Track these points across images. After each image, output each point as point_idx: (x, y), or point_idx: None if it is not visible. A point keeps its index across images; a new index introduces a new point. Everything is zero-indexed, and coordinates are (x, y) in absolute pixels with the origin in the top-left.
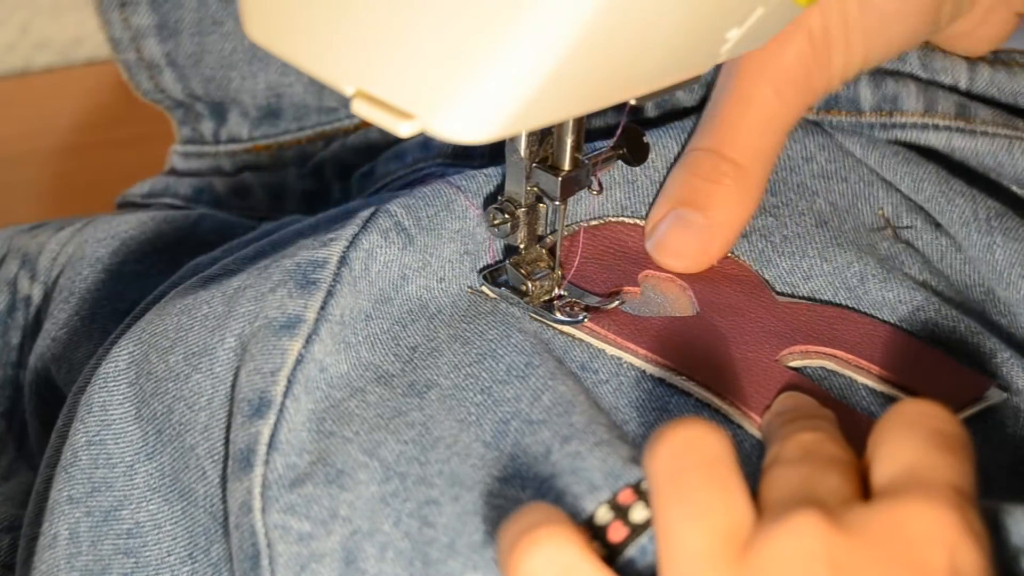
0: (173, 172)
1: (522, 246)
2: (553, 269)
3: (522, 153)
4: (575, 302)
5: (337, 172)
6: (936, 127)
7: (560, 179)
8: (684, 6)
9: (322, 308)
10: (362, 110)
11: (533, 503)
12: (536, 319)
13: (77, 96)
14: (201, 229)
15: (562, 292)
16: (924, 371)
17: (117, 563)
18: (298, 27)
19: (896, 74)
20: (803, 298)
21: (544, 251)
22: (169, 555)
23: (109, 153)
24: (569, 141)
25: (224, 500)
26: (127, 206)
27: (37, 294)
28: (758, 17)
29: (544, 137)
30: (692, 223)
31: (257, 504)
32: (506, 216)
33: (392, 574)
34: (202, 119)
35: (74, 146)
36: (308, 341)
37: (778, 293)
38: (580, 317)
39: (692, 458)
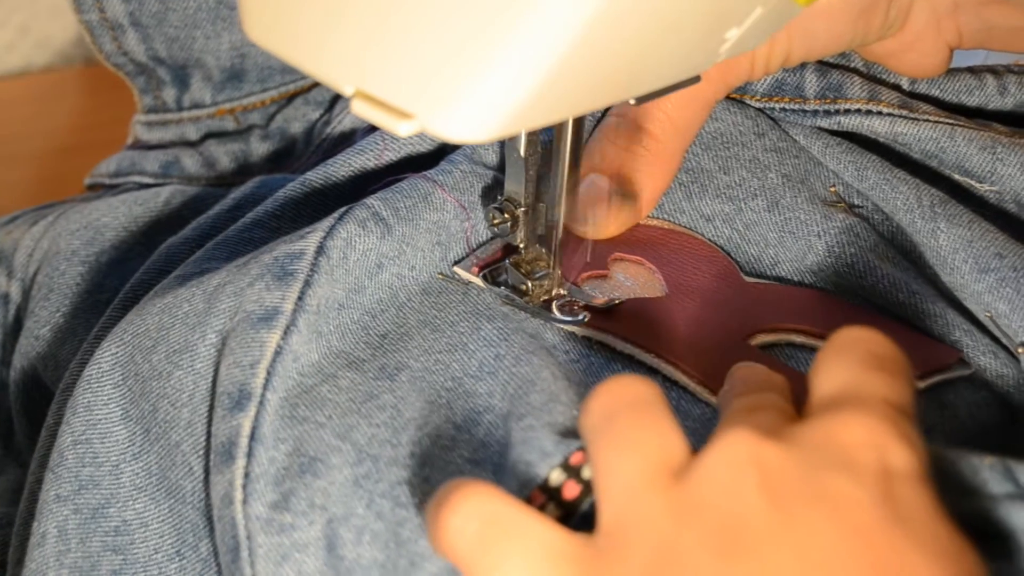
0: (137, 145)
1: (522, 246)
2: (553, 268)
3: (522, 153)
4: (574, 301)
5: (301, 128)
6: (880, 113)
7: (555, 251)
8: (684, 6)
9: (300, 298)
10: (362, 110)
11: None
12: (536, 318)
13: (77, 96)
14: (172, 206)
15: (562, 291)
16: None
17: (106, 559)
18: (298, 27)
19: (841, 67)
20: (771, 279)
21: (543, 250)
22: (156, 552)
23: (108, 153)
24: (562, 213)
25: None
26: (96, 187)
27: (15, 291)
28: (757, 17)
29: (538, 206)
30: (604, 190)
31: (238, 496)
32: (506, 216)
33: (370, 557)
34: (164, 86)
35: (74, 146)
36: (286, 332)
37: (746, 274)
38: (580, 316)
39: (620, 403)
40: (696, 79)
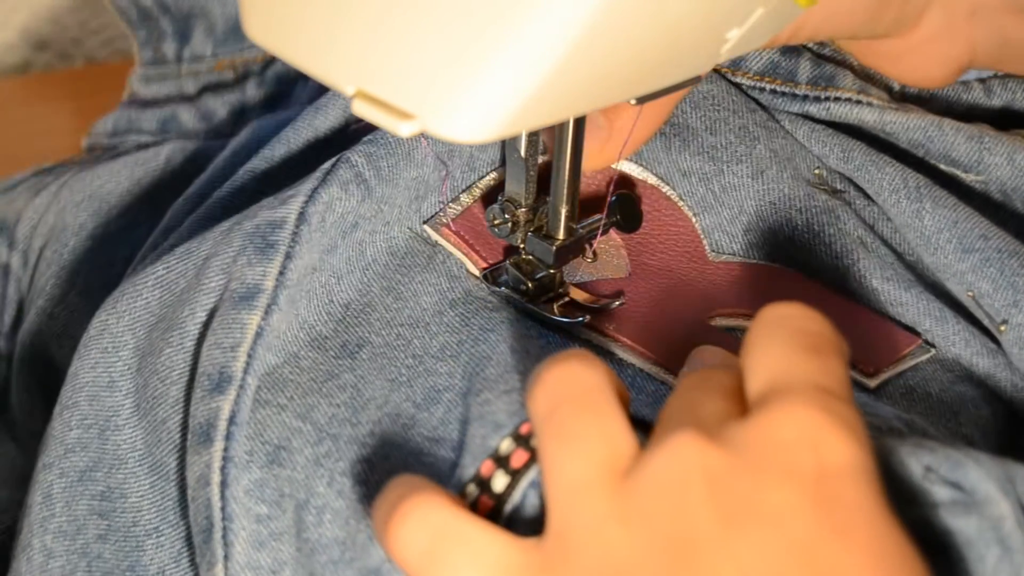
0: (134, 100)
1: (522, 246)
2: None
3: (522, 153)
4: (575, 303)
5: (296, 71)
6: (870, 104)
7: (555, 248)
8: (684, 7)
9: (280, 273)
10: (362, 110)
11: (399, 476)
12: (535, 318)
13: (77, 96)
14: (173, 163)
15: (562, 292)
16: (851, 328)
17: (92, 523)
18: (299, 27)
19: (836, 61)
20: (739, 251)
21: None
22: (135, 526)
23: None
24: (564, 211)
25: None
26: (95, 148)
27: (16, 263)
28: (758, 17)
29: (539, 207)
30: (595, 123)
31: (216, 478)
32: (506, 216)
33: (331, 536)
34: (165, 38)
35: (74, 146)
36: (267, 312)
37: (712, 251)
38: (580, 318)
39: (566, 392)
40: (697, 79)
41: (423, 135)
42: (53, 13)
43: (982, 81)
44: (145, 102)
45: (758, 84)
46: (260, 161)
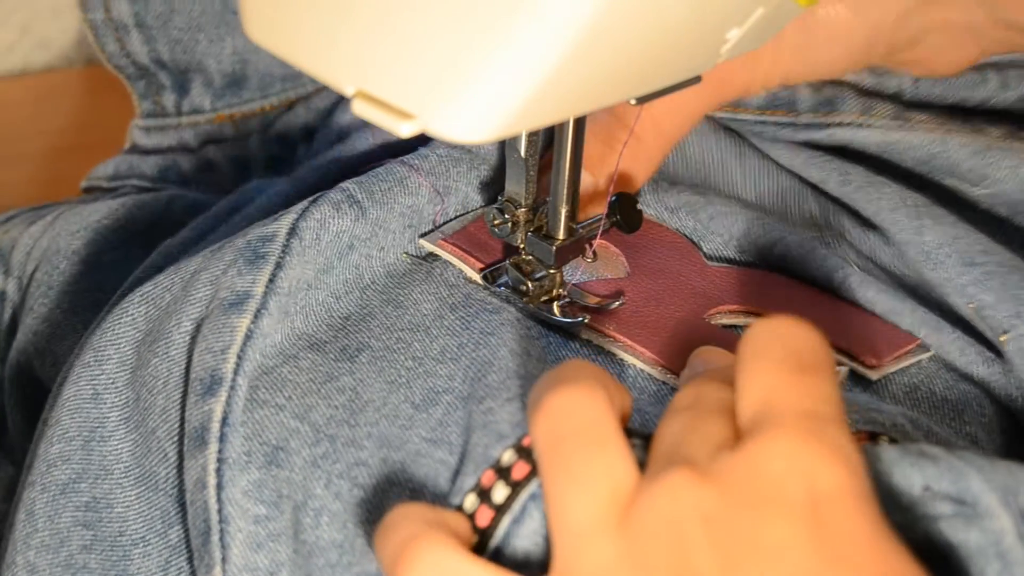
0: (135, 150)
1: (522, 246)
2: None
3: (522, 153)
4: (575, 302)
5: (301, 134)
6: (871, 126)
7: (555, 248)
8: (685, 7)
9: (271, 281)
10: (362, 110)
11: (403, 505)
12: (535, 319)
13: (77, 96)
14: (173, 210)
15: (562, 292)
16: (849, 327)
17: (76, 534)
18: (299, 27)
19: (837, 83)
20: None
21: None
22: (121, 535)
23: (108, 154)
24: (564, 211)
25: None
26: (93, 190)
27: (12, 289)
28: (758, 17)
29: (539, 207)
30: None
31: (212, 480)
32: (506, 216)
33: (328, 539)
34: (164, 91)
35: (73, 147)
36: (257, 316)
37: (708, 258)
38: (580, 318)
39: (569, 425)
40: (697, 79)
41: (420, 172)
42: (54, 13)
43: (998, 71)
44: (146, 151)
45: (760, 119)
46: (254, 210)
